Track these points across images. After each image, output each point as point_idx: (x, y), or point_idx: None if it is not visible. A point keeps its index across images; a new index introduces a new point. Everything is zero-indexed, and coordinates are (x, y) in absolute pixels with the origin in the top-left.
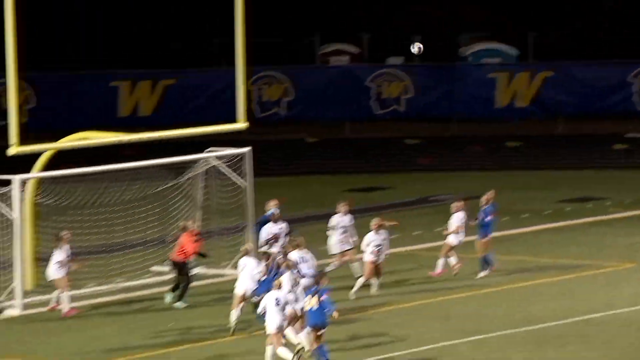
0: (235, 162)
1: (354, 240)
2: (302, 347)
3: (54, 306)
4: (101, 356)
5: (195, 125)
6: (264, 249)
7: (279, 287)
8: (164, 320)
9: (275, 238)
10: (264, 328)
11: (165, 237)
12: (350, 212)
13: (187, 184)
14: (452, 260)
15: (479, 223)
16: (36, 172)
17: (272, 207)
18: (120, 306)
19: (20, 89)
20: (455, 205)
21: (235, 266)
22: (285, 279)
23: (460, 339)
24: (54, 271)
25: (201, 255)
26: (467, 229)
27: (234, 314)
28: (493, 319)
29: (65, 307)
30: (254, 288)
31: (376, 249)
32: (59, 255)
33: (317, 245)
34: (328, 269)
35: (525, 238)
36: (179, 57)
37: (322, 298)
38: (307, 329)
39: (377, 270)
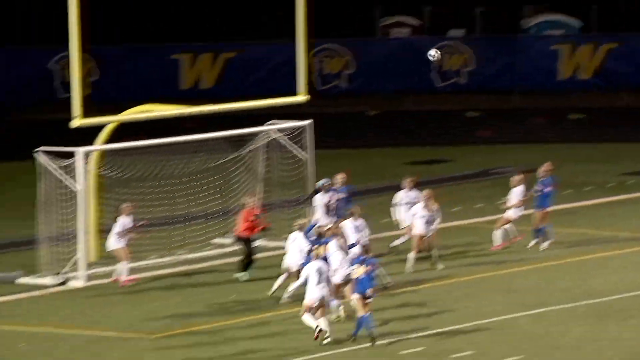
0: (296, 135)
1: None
2: (321, 329)
3: (117, 278)
4: (163, 328)
5: (256, 98)
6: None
7: (318, 256)
8: (225, 292)
9: (326, 208)
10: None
11: (226, 210)
12: (416, 187)
13: (248, 157)
14: (512, 232)
15: (536, 195)
16: (99, 145)
17: (340, 181)
18: (181, 278)
19: (84, 62)
20: (515, 179)
21: None
22: (332, 247)
23: (521, 312)
24: (113, 242)
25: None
26: (527, 203)
27: (276, 285)
28: (554, 292)
29: (122, 277)
30: (302, 262)
31: (424, 221)
32: (119, 226)
33: (378, 218)
34: (396, 242)
35: (587, 211)
36: (240, 29)
37: (369, 267)
38: (355, 296)
39: (426, 243)
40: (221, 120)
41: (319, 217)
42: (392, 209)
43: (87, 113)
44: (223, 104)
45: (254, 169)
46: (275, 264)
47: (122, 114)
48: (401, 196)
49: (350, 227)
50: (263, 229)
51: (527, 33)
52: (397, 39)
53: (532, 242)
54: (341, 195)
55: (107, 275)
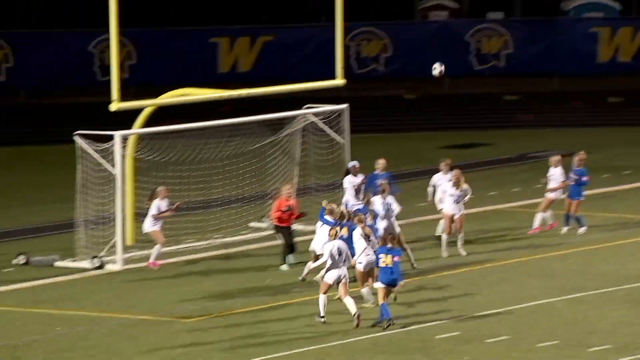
0: (332, 119)
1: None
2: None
3: (153, 263)
4: (198, 312)
5: (293, 82)
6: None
7: (335, 236)
8: (260, 276)
9: (356, 190)
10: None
11: (263, 193)
12: (452, 168)
13: (285, 141)
14: (549, 218)
15: (572, 183)
16: (137, 128)
17: (380, 166)
18: (217, 262)
19: (122, 46)
20: (554, 159)
21: None
22: (356, 235)
23: (557, 296)
24: (149, 225)
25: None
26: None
27: (306, 269)
28: (591, 276)
29: (151, 258)
30: None
31: (452, 200)
32: (155, 209)
33: (414, 202)
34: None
35: (625, 195)
36: (277, 13)
37: (396, 259)
38: (379, 285)
39: (458, 224)
40: (258, 104)
41: (348, 198)
42: (429, 190)
43: (124, 97)
44: (260, 88)
45: (291, 152)
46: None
47: (159, 97)
48: (438, 178)
49: (380, 203)
50: (297, 218)
51: (567, 15)
52: (435, 22)
53: (565, 229)
54: (383, 180)
55: (144, 259)
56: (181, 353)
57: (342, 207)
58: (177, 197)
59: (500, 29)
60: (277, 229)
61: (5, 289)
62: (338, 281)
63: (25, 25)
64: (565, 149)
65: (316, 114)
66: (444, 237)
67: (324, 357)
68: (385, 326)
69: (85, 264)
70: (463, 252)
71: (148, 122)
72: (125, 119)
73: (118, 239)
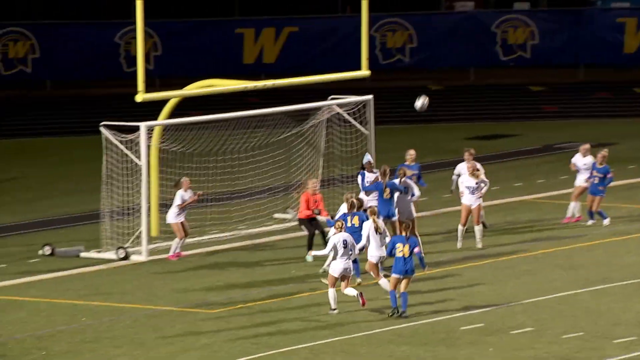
0: (357, 110)
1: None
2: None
3: (178, 253)
4: (223, 303)
5: (318, 73)
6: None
7: (341, 228)
8: (285, 268)
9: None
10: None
11: (288, 185)
12: (476, 158)
13: (310, 132)
14: (579, 208)
15: (595, 181)
16: (162, 119)
17: (410, 157)
18: (242, 253)
19: (147, 37)
20: (584, 147)
21: None
22: (367, 227)
23: (583, 288)
24: (172, 216)
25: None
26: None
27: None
28: (617, 268)
29: (171, 251)
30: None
31: (469, 192)
32: (178, 200)
33: (438, 193)
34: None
35: None
36: (302, 3)
37: (416, 250)
38: (394, 275)
39: (475, 215)
40: (283, 95)
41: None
42: (453, 179)
43: (150, 88)
44: (285, 79)
45: (316, 143)
46: None
47: (184, 88)
48: (462, 167)
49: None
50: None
51: (593, 6)
52: (461, 13)
53: (589, 222)
54: (413, 172)
55: (168, 250)
56: (205, 344)
57: (349, 196)
58: (202, 188)
59: (526, 20)
60: (300, 221)
61: (31, 280)
62: (343, 274)
63: (51, 17)
64: (590, 140)
65: (341, 105)
66: (460, 228)
67: (348, 348)
68: (389, 314)
69: (110, 254)
70: (479, 245)
71: (173, 113)
72: (150, 110)
73: (143, 230)
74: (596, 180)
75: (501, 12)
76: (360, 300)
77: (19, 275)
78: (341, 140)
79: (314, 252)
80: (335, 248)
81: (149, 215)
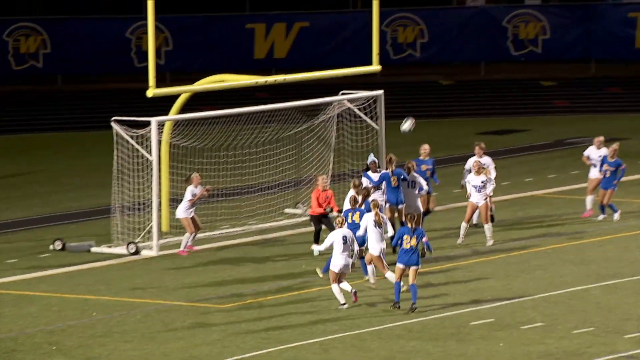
0: (368, 105)
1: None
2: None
3: (190, 247)
4: (233, 298)
5: (329, 68)
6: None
7: (342, 224)
8: (295, 263)
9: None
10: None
11: (298, 180)
12: (487, 153)
13: (321, 127)
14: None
15: (607, 174)
16: (173, 114)
17: (423, 152)
18: (252, 248)
19: (158, 32)
20: (598, 139)
21: None
22: (369, 220)
23: (594, 283)
24: (181, 211)
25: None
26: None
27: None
28: (628, 263)
29: (182, 246)
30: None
31: (475, 190)
32: (188, 195)
33: (449, 189)
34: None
35: None
36: None
37: (424, 239)
38: (399, 265)
39: (483, 213)
40: (294, 90)
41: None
42: (465, 173)
43: (161, 83)
44: (296, 74)
45: (326, 139)
46: None
47: (195, 83)
48: (473, 162)
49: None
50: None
51: (604, 1)
52: (472, 8)
53: (600, 217)
54: (428, 166)
55: (179, 245)
56: (216, 339)
57: (357, 182)
58: (213, 183)
59: (538, 15)
60: (310, 217)
61: (42, 275)
62: (344, 270)
63: (62, 12)
64: (602, 136)
65: (351, 100)
66: (463, 224)
67: (358, 343)
68: (391, 306)
69: (121, 249)
70: (489, 243)
71: (184, 108)
72: (161, 105)
73: (154, 225)
74: (608, 174)
75: (512, 6)
76: (353, 298)
77: (29, 270)
78: (352, 136)
79: (315, 247)
80: (334, 244)
81: (159, 210)
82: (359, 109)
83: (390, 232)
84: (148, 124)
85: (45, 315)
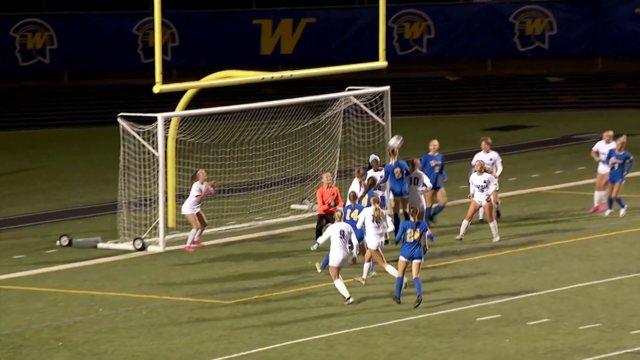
0: (374, 101)
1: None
2: (348, 298)
3: (197, 242)
4: (239, 294)
5: (336, 64)
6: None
7: (340, 218)
8: (301, 259)
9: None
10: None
11: (305, 176)
12: (493, 149)
13: (327, 123)
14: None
15: (615, 167)
16: (179, 110)
17: (432, 148)
18: (259, 244)
19: (165, 28)
20: (608, 134)
21: None
22: (368, 214)
23: (600, 279)
24: (187, 207)
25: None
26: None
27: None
28: (634, 259)
29: (187, 242)
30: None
31: (478, 190)
32: (194, 191)
33: (456, 185)
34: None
35: None
36: None
37: (428, 233)
38: (402, 259)
39: (487, 211)
40: (300, 86)
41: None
42: (472, 169)
43: (167, 79)
44: (302, 70)
45: (333, 134)
46: None
47: (202, 79)
48: (479, 157)
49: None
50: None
51: None
52: (478, 4)
53: (607, 211)
54: (437, 162)
55: (185, 241)
56: (222, 335)
57: (361, 171)
58: (219, 179)
59: (544, 11)
60: (319, 216)
61: (48, 271)
62: (343, 264)
63: (69, 8)
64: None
65: (358, 96)
66: (464, 222)
67: (364, 339)
68: (393, 298)
69: (127, 245)
70: (495, 239)
71: (190, 104)
72: (167, 101)
73: (160, 220)
74: (616, 167)
75: (519, 2)
76: (347, 301)
77: (36, 266)
78: (358, 132)
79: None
80: (332, 239)
81: (166, 206)
82: (365, 105)
83: (391, 227)
84: (154, 120)
85: (52, 311)
